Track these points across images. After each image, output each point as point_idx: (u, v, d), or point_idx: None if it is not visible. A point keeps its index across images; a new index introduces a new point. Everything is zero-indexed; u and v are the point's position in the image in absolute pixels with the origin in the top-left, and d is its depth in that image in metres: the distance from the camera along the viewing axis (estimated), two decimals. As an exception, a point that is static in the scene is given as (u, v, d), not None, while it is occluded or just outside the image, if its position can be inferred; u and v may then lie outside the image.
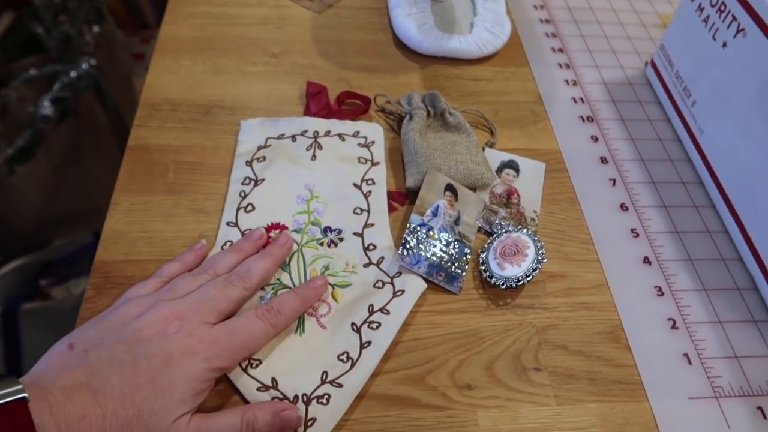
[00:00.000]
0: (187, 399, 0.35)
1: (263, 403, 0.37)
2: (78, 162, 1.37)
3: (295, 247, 0.46)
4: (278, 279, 0.44)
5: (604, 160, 0.56)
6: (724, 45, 0.52)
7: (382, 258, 0.46)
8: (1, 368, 1.11)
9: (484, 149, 0.55)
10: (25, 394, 0.31)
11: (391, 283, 0.44)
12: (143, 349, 0.35)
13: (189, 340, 0.36)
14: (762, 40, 0.47)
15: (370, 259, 0.46)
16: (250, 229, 0.47)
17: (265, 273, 0.42)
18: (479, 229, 0.50)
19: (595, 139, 0.58)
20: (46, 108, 1.29)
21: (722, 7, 0.52)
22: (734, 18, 0.51)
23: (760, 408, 0.42)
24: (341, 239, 0.47)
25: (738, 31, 0.50)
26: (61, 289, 1.24)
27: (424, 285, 0.44)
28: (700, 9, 0.56)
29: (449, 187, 0.50)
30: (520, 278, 0.45)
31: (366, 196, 0.50)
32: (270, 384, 0.38)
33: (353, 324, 0.42)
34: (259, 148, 0.52)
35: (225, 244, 0.46)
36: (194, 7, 0.66)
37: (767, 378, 0.43)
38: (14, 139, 1.25)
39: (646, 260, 0.49)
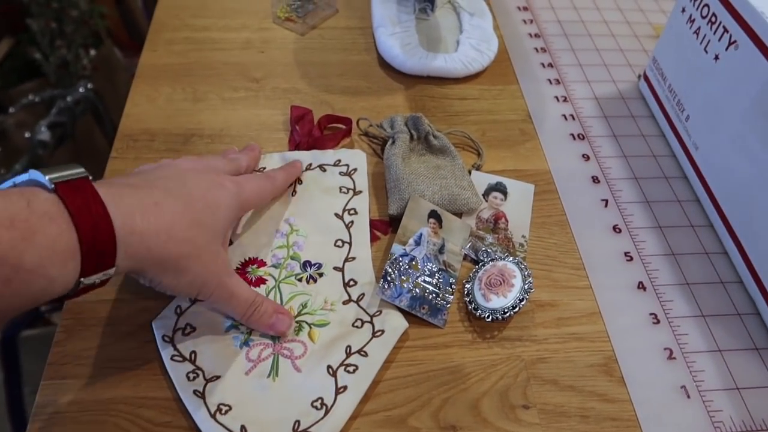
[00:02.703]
0: (226, 225, 0.40)
1: (271, 301, 0.41)
2: (77, 186, 1.37)
3: (272, 282, 0.45)
4: None
5: (595, 179, 0.54)
6: (717, 58, 0.50)
7: (363, 295, 0.44)
8: (0, 395, 1.10)
9: (470, 172, 0.54)
10: (84, 173, 0.32)
11: (371, 322, 0.42)
12: (185, 178, 0.39)
13: (218, 179, 0.40)
14: (755, 53, 0.45)
15: (349, 295, 0.44)
16: None
17: (250, 161, 0.48)
18: (465, 257, 0.48)
19: (586, 157, 0.56)
20: (44, 133, 1.29)
21: (713, 19, 0.51)
22: (726, 30, 0.49)
23: (763, 444, 0.39)
24: (321, 274, 0.45)
25: (730, 44, 0.48)
26: (61, 314, 1.23)
27: (405, 324, 0.42)
28: (691, 20, 0.54)
29: (433, 214, 0.48)
30: (507, 310, 0.43)
31: (348, 227, 0.48)
32: (239, 432, 0.36)
33: (329, 367, 0.40)
34: None
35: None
36: (175, 33, 0.65)
37: (771, 411, 0.41)
38: (12, 164, 1.25)
39: (641, 285, 0.47)
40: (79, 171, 0.32)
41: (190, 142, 0.54)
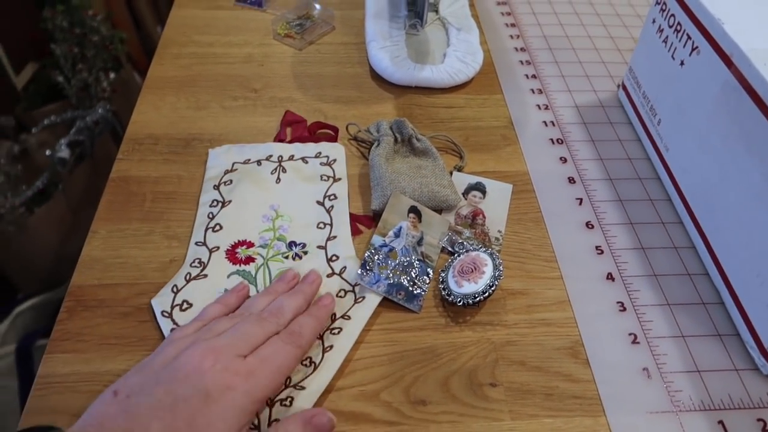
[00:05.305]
0: None
1: (291, 416, 0.38)
2: (94, 203, 1.41)
3: (261, 260, 0.48)
4: None
5: (572, 180, 0.57)
6: (682, 63, 0.53)
7: (344, 268, 0.48)
8: (15, 403, 1.13)
9: (452, 173, 0.57)
10: None
11: (353, 291, 0.47)
12: (181, 389, 0.35)
13: (225, 375, 0.35)
14: (713, 57, 0.48)
15: (333, 269, 0.48)
16: (218, 247, 0.49)
17: (297, 309, 0.43)
18: (442, 250, 0.51)
19: (563, 160, 0.59)
20: (63, 151, 1.35)
21: (678, 27, 0.54)
22: (689, 37, 0.52)
23: (721, 422, 0.41)
24: (305, 252, 0.49)
25: (693, 49, 0.51)
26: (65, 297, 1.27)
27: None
28: (660, 30, 0.57)
29: (413, 209, 0.51)
30: (477, 295, 0.45)
31: (328, 211, 0.52)
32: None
33: None
34: (226, 172, 0.55)
35: (193, 262, 0.48)
36: (182, 48, 0.70)
37: (730, 392, 0.43)
38: (33, 181, 1.31)
39: (610, 276, 0.49)
40: None
41: (190, 146, 0.58)
